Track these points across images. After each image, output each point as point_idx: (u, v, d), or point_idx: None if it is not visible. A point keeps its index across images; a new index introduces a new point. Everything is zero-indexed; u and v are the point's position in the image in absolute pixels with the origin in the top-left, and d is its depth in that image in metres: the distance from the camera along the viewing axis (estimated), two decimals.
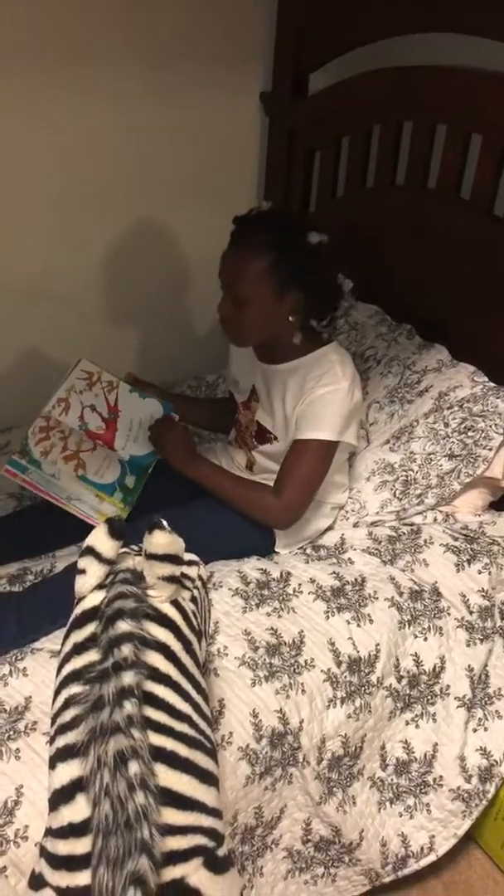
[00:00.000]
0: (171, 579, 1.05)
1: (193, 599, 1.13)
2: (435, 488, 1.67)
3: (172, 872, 0.94)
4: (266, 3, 2.07)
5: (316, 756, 1.37)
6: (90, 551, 1.05)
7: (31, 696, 1.26)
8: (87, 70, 1.89)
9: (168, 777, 0.97)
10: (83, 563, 1.05)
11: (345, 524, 1.71)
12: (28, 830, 1.12)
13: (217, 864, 0.98)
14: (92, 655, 1.01)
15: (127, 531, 1.07)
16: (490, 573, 1.59)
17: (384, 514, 1.69)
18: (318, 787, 1.38)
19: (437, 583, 1.56)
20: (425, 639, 1.50)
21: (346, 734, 1.39)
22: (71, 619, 1.07)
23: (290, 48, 2.08)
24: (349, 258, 2.07)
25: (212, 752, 1.05)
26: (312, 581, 1.52)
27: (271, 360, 1.61)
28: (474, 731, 1.51)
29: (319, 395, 1.51)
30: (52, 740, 1.02)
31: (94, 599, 1.04)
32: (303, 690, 1.36)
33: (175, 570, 1.05)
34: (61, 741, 0.99)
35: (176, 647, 1.05)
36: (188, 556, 1.15)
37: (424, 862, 1.50)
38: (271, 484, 1.57)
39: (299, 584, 1.51)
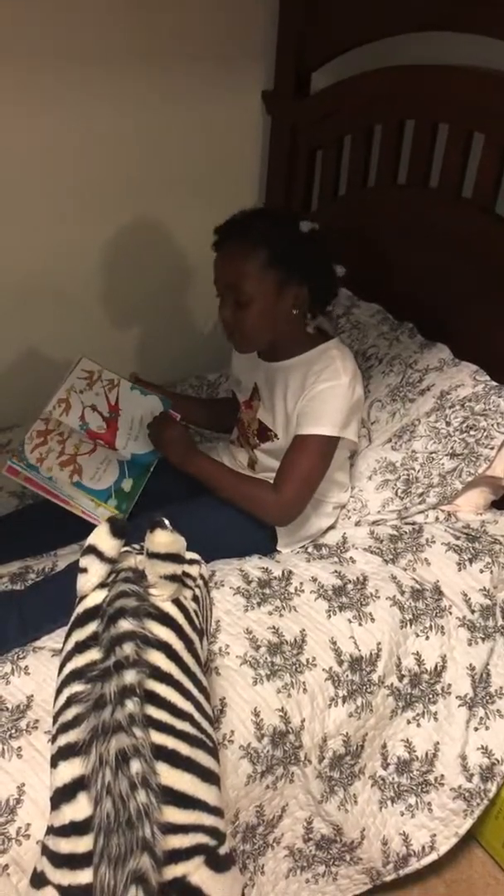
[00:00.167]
0: (172, 578, 1.05)
1: (195, 598, 1.13)
2: (436, 487, 1.67)
3: (174, 871, 0.94)
4: (268, 3, 2.07)
5: (317, 755, 1.37)
6: (92, 550, 1.05)
7: (32, 695, 1.26)
8: (88, 70, 1.89)
9: (169, 776, 0.97)
10: (85, 561, 1.05)
11: (346, 523, 1.71)
12: (30, 829, 1.12)
13: (218, 863, 0.98)
14: (94, 654, 1.01)
15: (128, 530, 1.07)
16: (492, 572, 1.59)
17: (386, 513, 1.69)
18: (319, 786, 1.38)
19: (438, 582, 1.56)
20: (427, 638, 1.50)
21: (347, 733, 1.40)
22: (73, 618, 1.07)
23: (292, 47, 2.08)
24: (351, 257, 2.08)
25: (213, 751, 1.06)
26: (314, 580, 1.52)
27: (273, 357, 1.61)
28: (476, 729, 1.51)
29: (320, 391, 1.51)
30: (53, 739, 1.02)
31: (96, 598, 1.04)
32: (304, 689, 1.36)
33: (177, 568, 1.05)
34: (63, 739, 0.99)
35: (177, 645, 1.05)
36: (190, 555, 1.15)
37: (426, 861, 1.50)
38: (272, 480, 1.57)
39: (301, 583, 1.51)
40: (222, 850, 0.99)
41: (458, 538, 1.63)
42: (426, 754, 1.48)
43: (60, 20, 1.80)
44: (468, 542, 1.62)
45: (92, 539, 1.05)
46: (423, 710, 1.49)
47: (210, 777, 1.02)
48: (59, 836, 0.96)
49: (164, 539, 1.03)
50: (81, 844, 0.94)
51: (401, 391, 1.79)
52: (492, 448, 1.64)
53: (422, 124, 1.83)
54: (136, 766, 0.92)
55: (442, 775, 1.49)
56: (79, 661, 1.02)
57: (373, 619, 1.47)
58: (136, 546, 1.11)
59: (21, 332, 2.14)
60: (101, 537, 1.04)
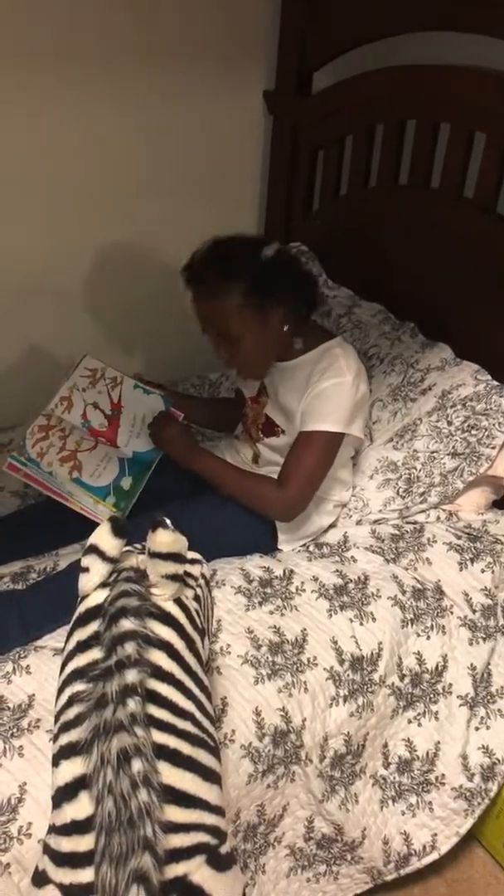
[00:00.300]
0: (174, 577, 1.05)
1: (196, 598, 1.13)
2: (438, 487, 1.67)
3: (175, 870, 0.94)
4: (269, 2, 2.07)
5: (318, 754, 1.37)
6: (93, 549, 1.05)
7: (34, 694, 1.26)
8: (88, 70, 1.90)
9: (171, 775, 0.97)
10: (86, 561, 1.05)
11: (348, 522, 1.71)
12: (31, 827, 1.12)
13: (220, 862, 0.98)
14: (95, 653, 1.01)
15: (130, 529, 1.07)
16: (493, 572, 1.59)
17: (387, 513, 1.69)
18: (320, 785, 1.38)
19: (439, 581, 1.56)
20: (428, 637, 1.50)
21: (348, 732, 1.40)
22: (74, 617, 1.07)
23: (294, 47, 2.08)
24: (352, 257, 2.08)
25: (214, 750, 1.06)
26: (315, 579, 1.52)
27: (279, 358, 1.62)
28: (476, 729, 1.51)
29: (324, 388, 1.52)
30: (55, 738, 1.02)
31: (98, 597, 1.04)
32: (305, 689, 1.36)
33: (178, 568, 1.05)
34: (65, 739, 0.99)
35: (179, 645, 1.05)
36: (191, 555, 1.15)
37: (426, 860, 1.50)
38: (275, 476, 1.57)
39: (302, 582, 1.51)
40: (223, 850, 1.00)
41: (459, 538, 1.63)
42: (427, 754, 1.49)
43: (60, 20, 1.80)
44: (469, 541, 1.62)
45: (93, 539, 1.05)
46: (424, 709, 1.49)
47: (211, 776, 1.02)
48: (61, 834, 0.96)
49: (165, 539, 1.03)
50: (83, 843, 0.94)
51: (402, 391, 1.79)
52: (493, 447, 1.64)
53: (423, 124, 1.83)
54: (137, 765, 0.93)
55: (443, 775, 1.49)
56: (80, 661, 1.02)
57: (374, 619, 1.47)
58: (138, 545, 1.12)
59: (21, 332, 2.14)
60: (103, 537, 1.05)
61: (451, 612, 1.53)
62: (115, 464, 1.59)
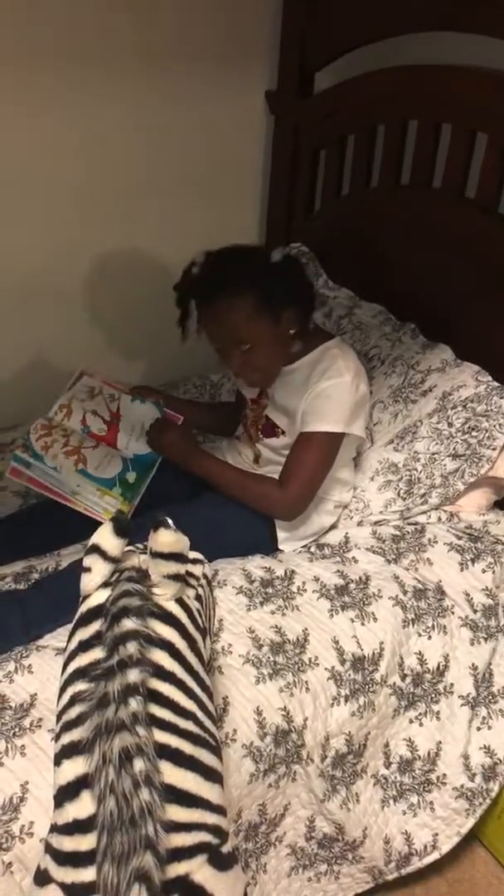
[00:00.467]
0: (175, 577, 1.05)
1: (198, 597, 1.13)
2: (439, 488, 1.67)
3: (177, 869, 0.94)
4: (271, 2, 2.07)
5: (320, 754, 1.37)
6: (95, 549, 1.05)
7: (36, 693, 1.26)
8: (88, 70, 1.90)
9: (173, 774, 0.97)
10: (88, 561, 1.05)
11: (349, 523, 1.71)
12: (33, 827, 1.12)
13: (221, 861, 0.98)
14: (97, 653, 1.01)
15: (132, 529, 1.07)
16: (494, 572, 1.59)
17: (388, 514, 1.69)
18: (321, 785, 1.38)
19: (441, 581, 1.56)
20: (429, 637, 1.50)
21: (349, 732, 1.40)
22: (76, 617, 1.07)
23: (295, 47, 2.08)
24: (353, 257, 2.08)
25: (216, 750, 1.06)
26: (316, 579, 1.52)
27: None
28: (478, 729, 1.51)
29: (323, 388, 1.52)
30: (57, 737, 1.02)
31: (100, 597, 1.05)
32: (307, 688, 1.36)
33: (180, 568, 1.05)
34: (66, 738, 1.00)
35: (181, 644, 1.05)
36: (193, 555, 1.16)
37: (428, 860, 1.50)
38: (276, 476, 1.57)
39: (303, 583, 1.51)
40: (225, 849, 1.00)
41: (460, 538, 1.63)
42: (428, 753, 1.49)
43: (60, 20, 1.80)
44: (470, 542, 1.63)
45: (95, 538, 1.05)
46: (425, 709, 1.49)
47: (213, 776, 1.02)
48: (63, 834, 0.96)
49: (167, 539, 1.03)
50: (85, 842, 0.94)
51: (403, 392, 1.79)
52: (494, 449, 1.64)
53: (424, 124, 1.83)
54: (139, 764, 0.93)
55: (444, 774, 1.49)
56: (82, 660, 1.02)
57: (375, 619, 1.47)
58: (140, 545, 1.12)
59: (21, 332, 2.14)
60: (105, 537, 1.05)
61: (453, 613, 1.53)
62: (118, 460, 1.60)
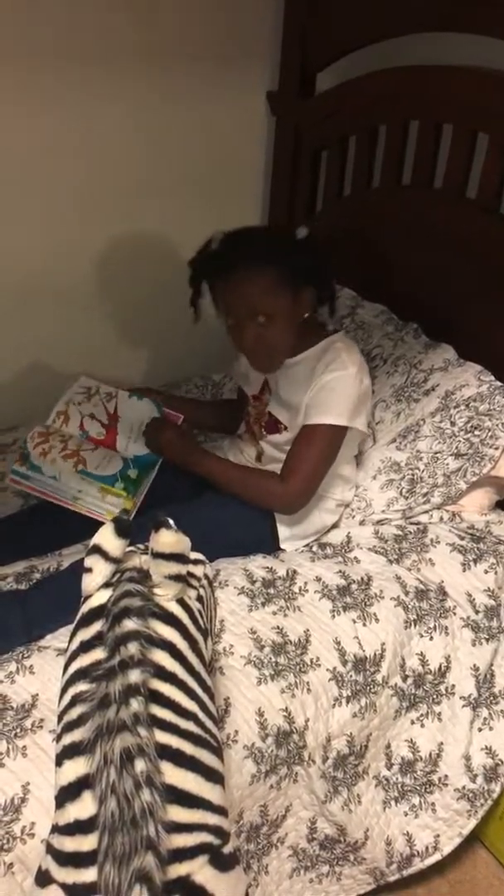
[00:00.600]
0: (177, 578, 1.05)
1: (199, 598, 1.13)
2: (441, 487, 1.67)
3: (178, 870, 0.94)
4: (271, 2, 2.07)
5: (321, 755, 1.37)
6: (97, 550, 1.05)
7: (37, 694, 1.26)
8: (88, 70, 1.90)
9: (174, 775, 0.97)
10: (90, 561, 1.05)
11: (351, 522, 1.71)
12: (35, 827, 1.12)
13: (222, 862, 0.98)
14: (98, 653, 1.01)
15: (133, 530, 1.07)
16: (496, 573, 1.58)
17: (390, 513, 1.69)
18: (323, 786, 1.38)
19: (443, 582, 1.56)
20: (431, 638, 1.50)
21: (351, 733, 1.39)
22: (78, 617, 1.07)
23: (297, 47, 2.08)
24: (354, 257, 2.08)
25: (217, 751, 1.06)
26: (318, 580, 1.52)
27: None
28: (479, 730, 1.51)
29: (327, 381, 1.52)
30: (58, 738, 1.02)
31: (101, 598, 1.04)
32: (308, 689, 1.36)
33: (181, 568, 1.05)
34: (68, 738, 0.99)
35: (182, 645, 1.05)
36: (194, 555, 1.15)
37: (429, 861, 1.50)
38: (278, 472, 1.57)
39: (305, 583, 1.51)
40: (226, 850, 0.99)
41: (462, 538, 1.63)
42: (430, 755, 1.48)
43: (60, 20, 1.80)
44: (473, 542, 1.62)
45: (97, 539, 1.05)
46: (426, 710, 1.49)
47: (214, 776, 1.02)
48: (64, 834, 0.96)
49: (168, 539, 1.03)
50: (86, 843, 0.94)
51: (405, 391, 1.79)
52: (496, 448, 1.63)
53: (426, 125, 1.83)
54: (140, 765, 0.93)
55: (446, 776, 1.49)
56: (84, 661, 1.02)
57: (377, 620, 1.47)
58: (141, 546, 1.12)
59: (21, 332, 2.14)
60: (106, 537, 1.05)
61: (454, 613, 1.53)
62: (118, 460, 1.60)
